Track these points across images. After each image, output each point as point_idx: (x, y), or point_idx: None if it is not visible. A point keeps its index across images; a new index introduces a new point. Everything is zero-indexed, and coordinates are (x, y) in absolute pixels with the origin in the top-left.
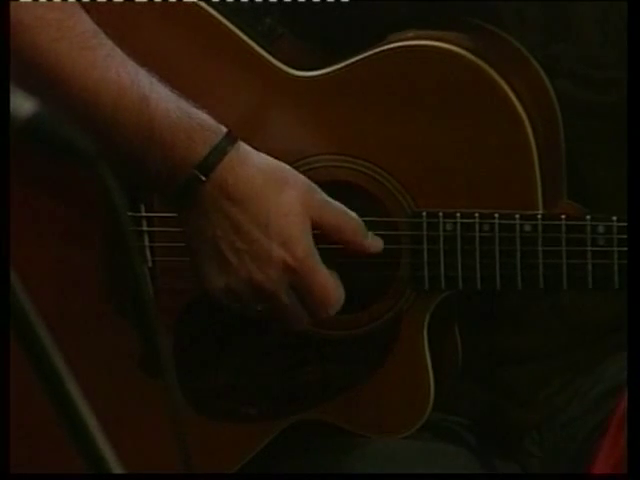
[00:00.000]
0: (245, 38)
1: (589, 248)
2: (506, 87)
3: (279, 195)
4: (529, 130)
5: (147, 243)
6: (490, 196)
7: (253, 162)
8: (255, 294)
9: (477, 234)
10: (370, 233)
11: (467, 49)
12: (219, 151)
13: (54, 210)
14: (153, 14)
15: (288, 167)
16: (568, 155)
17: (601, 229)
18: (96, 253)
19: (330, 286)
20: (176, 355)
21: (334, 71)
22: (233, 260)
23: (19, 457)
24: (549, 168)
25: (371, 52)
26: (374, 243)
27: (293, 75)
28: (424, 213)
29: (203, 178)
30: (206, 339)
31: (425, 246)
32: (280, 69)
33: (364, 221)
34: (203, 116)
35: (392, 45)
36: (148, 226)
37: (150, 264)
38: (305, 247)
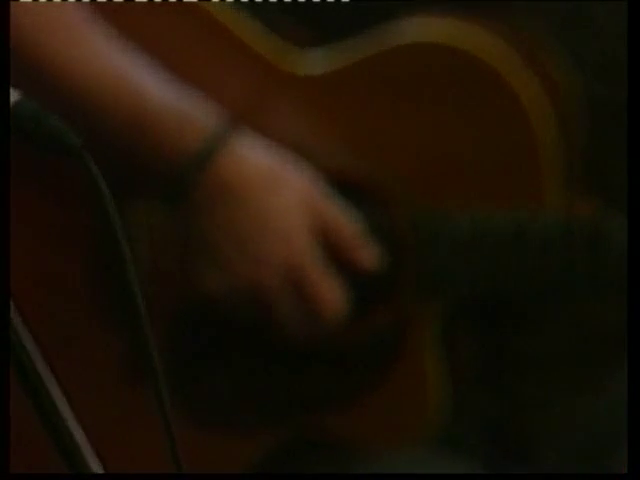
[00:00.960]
0: (247, 35)
1: (603, 250)
2: (513, 83)
3: (279, 191)
4: (538, 126)
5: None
6: (499, 195)
7: (253, 156)
8: (254, 295)
9: (485, 236)
10: (369, 246)
11: (474, 43)
12: (215, 143)
13: (42, 211)
14: (153, 12)
15: (289, 162)
16: (587, 151)
17: (616, 229)
18: (85, 256)
19: (332, 290)
20: (170, 362)
21: (338, 69)
22: (231, 260)
23: (19, 457)
24: (563, 165)
25: (377, 50)
26: (370, 256)
27: (297, 73)
28: (430, 213)
29: (198, 171)
30: (201, 345)
31: (431, 248)
32: (282, 66)
33: (367, 223)
34: (201, 105)
35: (396, 44)
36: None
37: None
38: (305, 244)
